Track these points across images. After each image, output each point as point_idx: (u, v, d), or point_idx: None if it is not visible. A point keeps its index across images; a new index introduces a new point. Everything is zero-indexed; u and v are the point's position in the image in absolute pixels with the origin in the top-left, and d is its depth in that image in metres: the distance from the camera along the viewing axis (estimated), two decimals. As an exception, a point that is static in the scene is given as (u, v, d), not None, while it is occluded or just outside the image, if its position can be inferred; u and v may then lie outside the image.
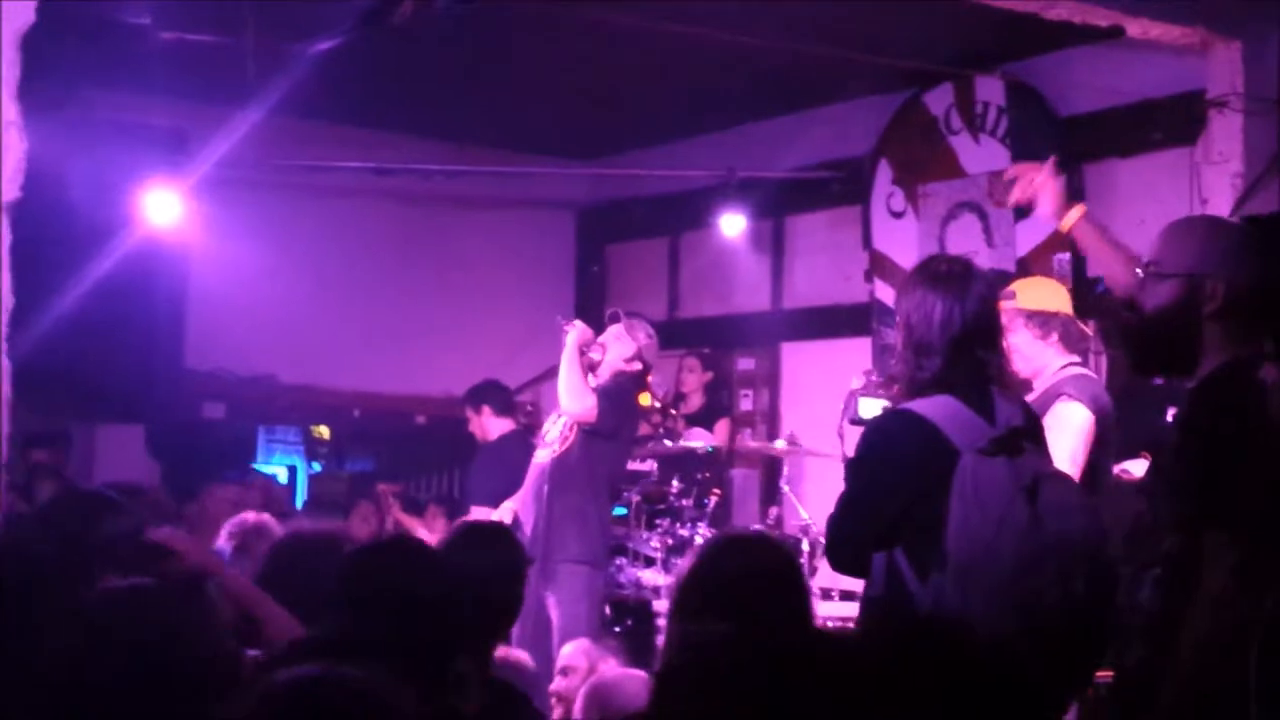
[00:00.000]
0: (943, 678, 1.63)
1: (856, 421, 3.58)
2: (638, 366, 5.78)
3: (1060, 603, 2.85)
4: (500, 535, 3.68)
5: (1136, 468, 4.56)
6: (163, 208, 7.14)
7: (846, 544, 3.13)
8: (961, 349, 3.12)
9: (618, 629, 6.62)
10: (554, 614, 5.43)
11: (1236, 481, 2.52)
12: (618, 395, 5.69)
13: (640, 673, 3.51)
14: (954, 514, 2.92)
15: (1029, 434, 3.12)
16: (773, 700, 1.64)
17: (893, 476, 3.05)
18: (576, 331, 5.68)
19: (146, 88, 7.52)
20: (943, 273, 3.23)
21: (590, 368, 5.68)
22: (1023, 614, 2.84)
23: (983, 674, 1.61)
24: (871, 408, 3.53)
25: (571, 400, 5.57)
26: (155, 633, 2.12)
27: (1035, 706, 2.74)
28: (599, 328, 5.96)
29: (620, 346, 5.76)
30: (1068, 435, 4.20)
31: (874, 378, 3.93)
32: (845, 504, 3.13)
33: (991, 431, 3.04)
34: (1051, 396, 4.32)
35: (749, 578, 2.69)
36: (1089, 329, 4.63)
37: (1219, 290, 2.65)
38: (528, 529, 5.57)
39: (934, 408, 3.07)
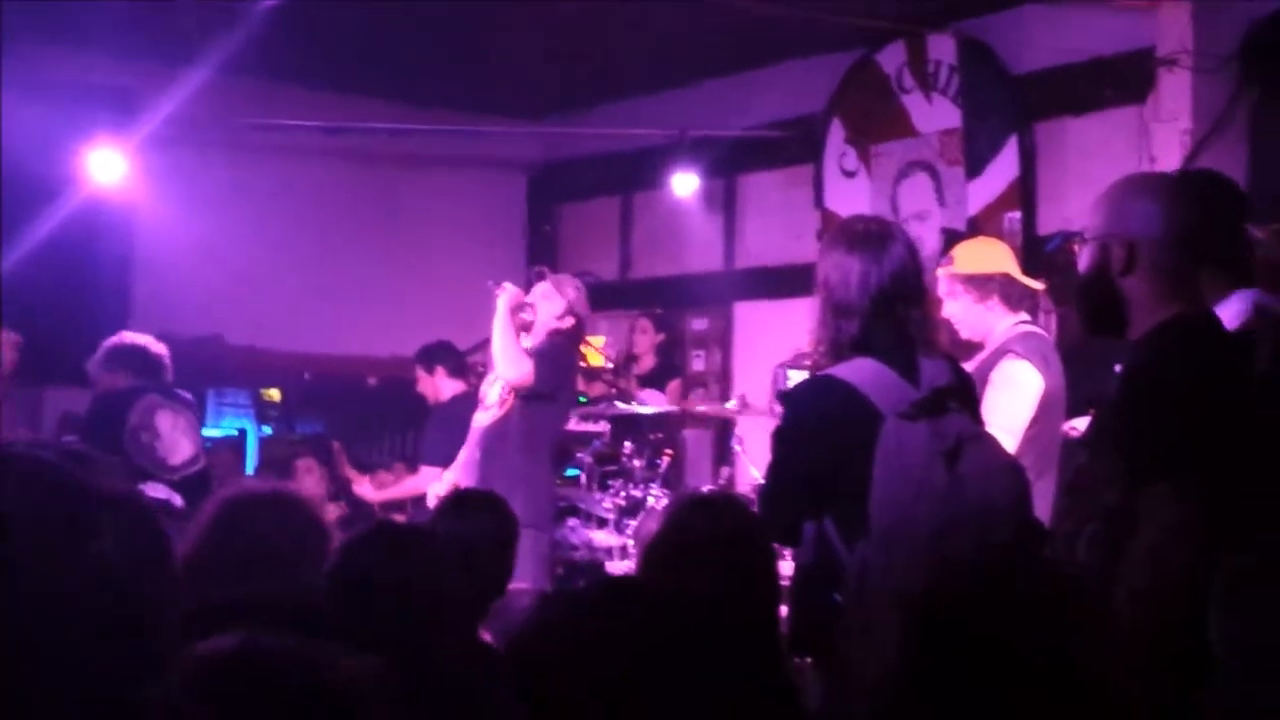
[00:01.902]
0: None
1: (784, 394, 3.56)
2: (570, 322, 5.71)
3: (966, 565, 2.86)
4: (491, 504, 3.67)
5: (1083, 424, 4.59)
6: (107, 167, 7.05)
7: (776, 514, 3.12)
8: (881, 310, 3.09)
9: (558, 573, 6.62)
10: None
11: (1175, 437, 2.53)
12: (554, 355, 5.63)
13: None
14: (876, 479, 2.91)
15: (956, 393, 3.10)
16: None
17: (814, 444, 3.04)
18: (507, 295, 5.60)
19: (89, 45, 7.40)
20: (860, 233, 3.22)
21: (524, 328, 5.63)
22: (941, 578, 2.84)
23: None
24: (799, 379, 3.51)
25: (508, 366, 5.51)
26: None
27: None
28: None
29: (549, 305, 5.67)
30: (1012, 392, 4.21)
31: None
32: (772, 474, 3.14)
33: (915, 394, 3.02)
34: (999, 354, 4.33)
35: (718, 537, 2.69)
36: (1036, 285, 4.63)
37: (1122, 251, 2.67)
38: None
39: (855, 371, 3.04)
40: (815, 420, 3.06)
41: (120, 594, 1.34)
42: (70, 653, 1.33)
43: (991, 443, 3.16)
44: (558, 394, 5.67)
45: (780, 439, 3.14)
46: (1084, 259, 2.76)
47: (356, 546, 2.71)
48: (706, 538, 2.65)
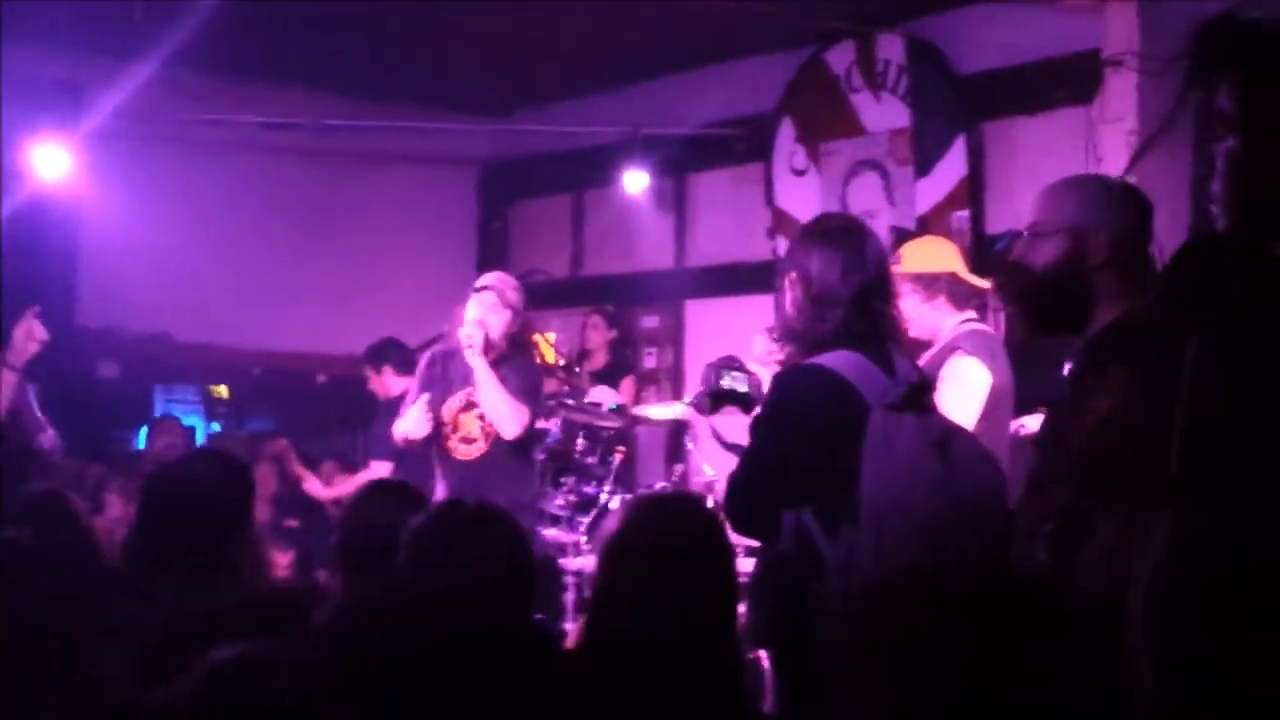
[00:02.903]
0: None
1: (717, 393, 3.41)
2: (518, 325, 5.48)
3: (971, 556, 2.88)
4: (409, 497, 3.65)
5: (1033, 422, 4.64)
6: (52, 162, 6.97)
7: (753, 503, 3.08)
8: (861, 302, 3.12)
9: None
10: None
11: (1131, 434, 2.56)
12: (533, 386, 5.50)
13: None
14: (866, 469, 2.90)
15: (929, 388, 3.16)
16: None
17: (802, 433, 3.02)
18: (477, 338, 5.25)
19: (33, 38, 7.31)
20: (839, 228, 3.25)
21: (485, 352, 5.43)
22: (937, 564, 2.86)
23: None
24: (731, 380, 3.43)
25: (512, 425, 5.27)
26: None
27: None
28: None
29: (498, 317, 5.39)
30: (962, 389, 4.26)
31: (774, 336, 3.88)
32: (753, 462, 3.10)
33: (894, 386, 3.05)
34: (947, 351, 4.38)
35: (675, 536, 2.68)
36: (983, 284, 4.67)
37: (1102, 241, 2.70)
38: None
39: (841, 362, 3.05)
40: (804, 409, 3.03)
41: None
42: None
43: (972, 437, 3.20)
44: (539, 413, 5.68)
45: (764, 427, 3.11)
46: (1048, 251, 2.73)
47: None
48: (663, 537, 2.65)
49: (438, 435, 5.46)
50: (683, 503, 3.01)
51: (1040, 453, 2.83)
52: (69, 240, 8.07)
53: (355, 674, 1.84)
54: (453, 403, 5.45)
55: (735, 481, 3.12)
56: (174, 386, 8.98)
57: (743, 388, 3.41)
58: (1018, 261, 2.78)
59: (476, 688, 2.15)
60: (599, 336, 8.14)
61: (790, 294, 3.21)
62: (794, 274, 3.20)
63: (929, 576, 1.57)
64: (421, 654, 2.19)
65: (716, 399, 3.44)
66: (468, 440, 5.44)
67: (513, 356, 5.49)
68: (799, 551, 3.00)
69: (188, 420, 8.83)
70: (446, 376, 5.49)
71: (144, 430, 8.35)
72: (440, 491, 5.42)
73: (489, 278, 5.58)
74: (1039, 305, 2.79)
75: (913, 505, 2.88)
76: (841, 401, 2.99)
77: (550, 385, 7.55)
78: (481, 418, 5.39)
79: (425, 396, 5.42)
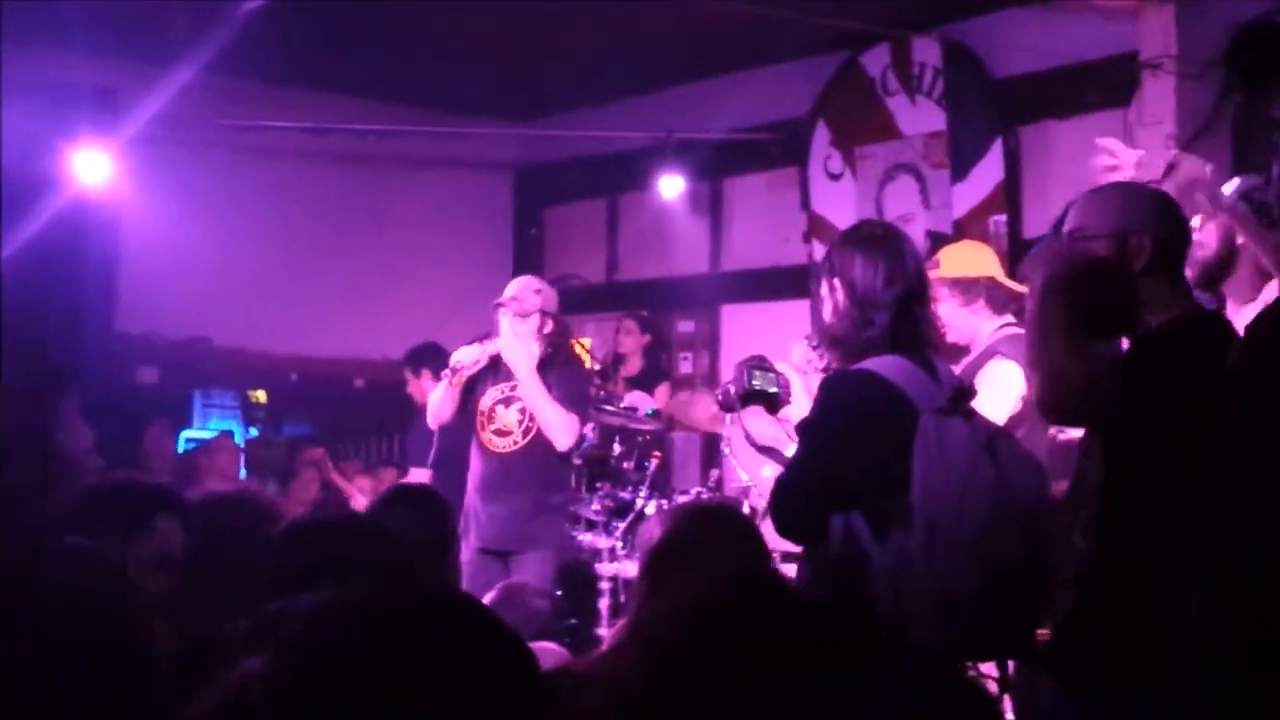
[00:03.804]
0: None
1: (748, 393, 3.41)
2: (550, 325, 5.53)
3: (1022, 559, 2.88)
4: (428, 499, 3.67)
5: (1077, 431, 4.61)
6: (92, 168, 7.04)
7: (802, 508, 3.06)
8: (903, 308, 3.12)
9: (559, 592, 6.62)
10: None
11: (1182, 430, 2.57)
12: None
13: (551, 645, 3.48)
14: (918, 473, 2.90)
15: (971, 393, 3.15)
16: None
17: (856, 437, 3.01)
18: (524, 351, 5.37)
19: (72, 46, 7.37)
20: (879, 235, 3.26)
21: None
22: (988, 570, 2.85)
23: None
24: (762, 379, 3.43)
25: (564, 436, 5.38)
26: None
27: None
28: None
29: (526, 325, 5.46)
30: (998, 391, 4.24)
31: (814, 343, 3.87)
32: (802, 467, 3.09)
33: (939, 390, 3.05)
34: (986, 356, 4.36)
35: (718, 545, 2.69)
36: (1021, 288, 4.65)
37: (1146, 245, 2.70)
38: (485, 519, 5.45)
39: (888, 367, 3.06)
40: (853, 414, 3.03)
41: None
42: None
43: (1013, 439, 3.21)
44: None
45: (813, 432, 3.10)
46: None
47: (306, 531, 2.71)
48: (705, 545, 2.66)
49: (474, 424, 5.56)
50: (725, 512, 3.02)
51: (1085, 457, 2.83)
52: (109, 246, 8.12)
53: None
54: (493, 393, 5.53)
55: (784, 486, 3.10)
56: (212, 391, 9.03)
57: (772, 388, 3.42)
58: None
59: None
60: (632, 342, 8.14)
61: (831, 300, 3.20)
62: (835, 280, 3.18)
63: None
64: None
65: (746, 398, 3.44)
66: (502, 433, 5.49)
67: (555, 361, 5.52)
68: (846, 555, 2.98)
69: (225, 425, 8.88)
70: (493, 367, 5.56)
71: (183, 437, 8.40)
72: (472, 480, 5.54)
73: (507, 289, 5.60)
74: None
75: (965, 507, 2.88)
76: (891, 406, 2.99)
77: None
78: (521, 412, 5.46)
79: (450, 376, 5.52)
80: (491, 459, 5.49)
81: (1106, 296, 2.71)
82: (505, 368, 5.49)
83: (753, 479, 5.98)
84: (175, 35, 6.80)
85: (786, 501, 3.09)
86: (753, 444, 3.45)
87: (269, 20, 6.67)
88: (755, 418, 3.41)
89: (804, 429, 3.17)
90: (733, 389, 3.46)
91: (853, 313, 3.13)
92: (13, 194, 6.96)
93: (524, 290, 5.55)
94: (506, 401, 5.50)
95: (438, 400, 5.62)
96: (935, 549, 2.85)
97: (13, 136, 6.78)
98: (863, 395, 3.04)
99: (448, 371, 5.55)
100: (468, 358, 5.50)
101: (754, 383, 3.41)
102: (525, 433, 5.45)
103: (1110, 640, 2.64)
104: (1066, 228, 2.79)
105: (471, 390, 5.55)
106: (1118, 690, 2.62)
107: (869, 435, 3.00)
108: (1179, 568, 2.37)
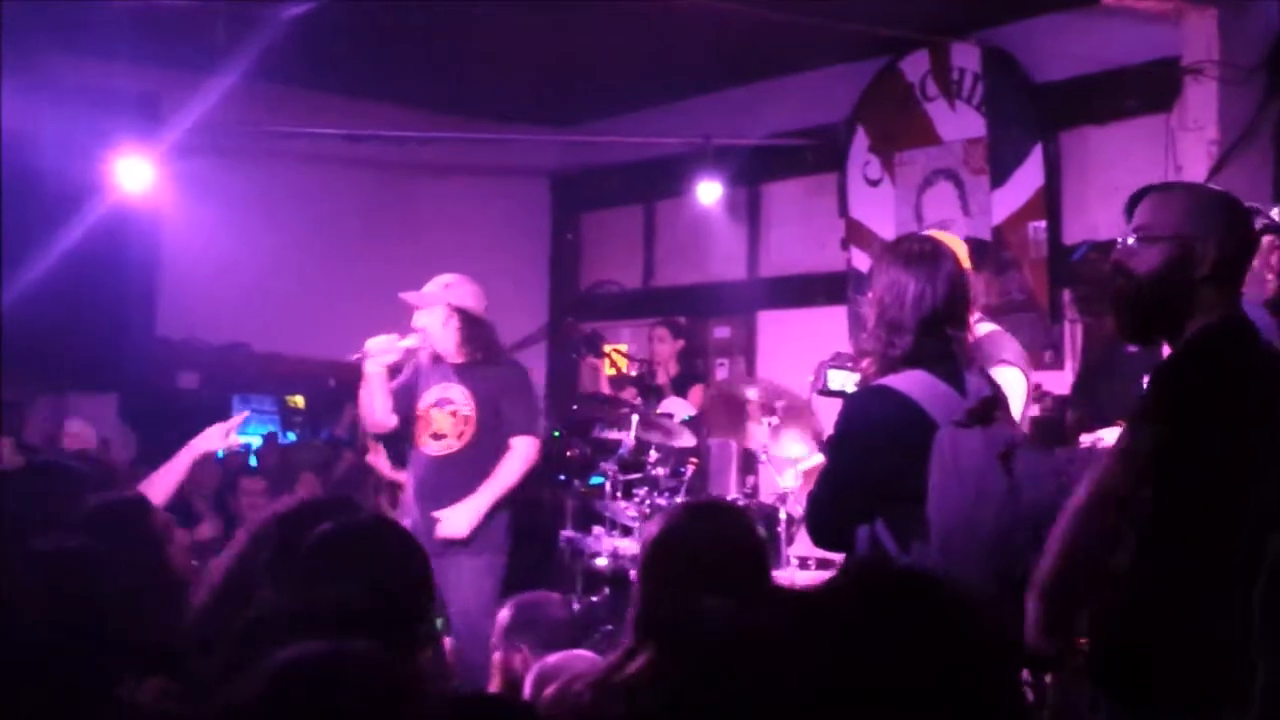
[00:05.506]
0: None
1: (825, 392, 3.62)
2: (457, 322, 5.42)
3: (1031, 569, 2.88)
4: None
5: (1111, 435, 4.57)
6: (134, 174, 7.08)
7: (829, 519, 3.19)
8: (930, 327, 3.18)
9: (594, 599, 6.63)
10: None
11: (1223, 432, 2.55)
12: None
13: (585, 652, 3.48)
14: (933, 485, 3.00)
15: (999, 404, 3.19)
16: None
17: (874, 451, 3.11)
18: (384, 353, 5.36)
19: (114, 52, 7.44)
20: (915, 253, 3.28)
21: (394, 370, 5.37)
22: (1001, 579, 2.90)
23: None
24: (840, 379, 3.59)
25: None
26: None
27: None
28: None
29: (431, 317, 5.41)
30: (1014, 400, 4.23)
31: (847, 359, 3.96)
32: (827, 479, 3.21)
33: (964, 403, 3.11)
34: (985, 358, 4.32)
35: (714, 545, 2.71)
36: (979, 281, 4.58)
37: (1210, 252, 2.66)
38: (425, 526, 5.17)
39: (909, 383, 3.13)
40: (872, 428, 3.14)
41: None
42: None
43: (1038, 449, 3.29)
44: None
45: (836, 446, 3.24)
46: (1153, 257, 2.69)
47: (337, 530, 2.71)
48: (700, 544, 2.67)
49: (409, 430, 5.43)
50: (722, 511, 3.03)
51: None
52: (150, 252, 8.19)
53: None
54: (426, 398, 5.40)
55: (813, 499, 3.24)
56: (251, 396, 9.09)
57: (851, 387, 3.52)
58: (1119, 264, 2.74)
59: None
60: (665, 349, 8.13)
61: (866, 315, 3.31)
62: (870, 295, 3.30)
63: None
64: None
65: (824, 396, 3.61)
66: (437, 436, 5.37)
67: (485, 363, 5.41)
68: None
69: (264, 429, 8.93)
70: (422, 373, 5.46)
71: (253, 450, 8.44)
72: (409, 486, 5.45)
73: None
74: (1137, 312, 2.75)
75: (976, 521, 2.98)
76: (907, 421, 3.08)
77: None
78: (453, 415, 5.35)
79: (386, 383, 5.40)
80: (425, 463, 5.37)
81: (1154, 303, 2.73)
82: (441, 368, 5.39)
83: (790, 488, 5.96)
84: (217, 42, 6.84)
85: (814, 512, 3.25)
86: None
87: (309, 27, 6.71)
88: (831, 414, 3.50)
89: (827, 444, 3.32)
90: (813, 387, 3.60)
91: (878, 331, 3.22)
92: (56, 201, 7.02)
93: (434, 282, 5.52)
94: (440, 404, 5.38)
95: (363, 399, 5.43)
96: (950, 558, 2.95)
97: (56, 143, 6.85)
98: (877, 412, 3.15)
99: (357, 356, 5.41)
100: (375, 347, 5.36)
101: (831, 384, 3.58)
102: (460, 436, 5.33)
103: (1170, 658, 2.58)
104: (1134, 224, 2.76)
105: (411, 394, 5.41)
106: (1195, 711, 2.55)
107: (883, 450, 3.10)
108: (1234, 579, 2.33)
